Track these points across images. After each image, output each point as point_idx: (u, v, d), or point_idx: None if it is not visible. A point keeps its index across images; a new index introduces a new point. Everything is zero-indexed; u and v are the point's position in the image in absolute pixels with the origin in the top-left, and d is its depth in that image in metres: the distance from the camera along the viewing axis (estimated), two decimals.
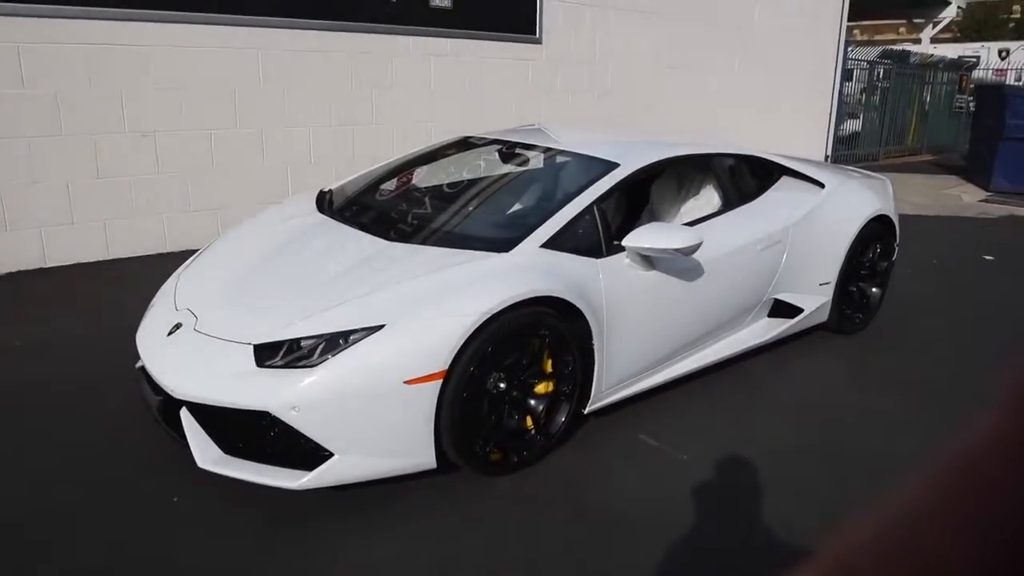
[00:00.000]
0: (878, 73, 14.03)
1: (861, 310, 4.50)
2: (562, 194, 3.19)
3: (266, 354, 2.51)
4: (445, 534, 2.47)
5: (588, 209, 3.04)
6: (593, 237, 3.02)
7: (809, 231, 3.95)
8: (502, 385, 2.71)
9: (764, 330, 3.88)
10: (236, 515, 2.53)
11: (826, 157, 12.00)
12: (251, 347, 2.54)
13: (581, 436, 3.12)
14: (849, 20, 11.90)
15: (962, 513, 0.32)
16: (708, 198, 3.79)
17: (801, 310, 4.00)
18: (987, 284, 5.88)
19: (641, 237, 2.96)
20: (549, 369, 2.85)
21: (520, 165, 3.66)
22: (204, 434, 2.55)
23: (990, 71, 20.59)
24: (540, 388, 2.85)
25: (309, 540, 2.42)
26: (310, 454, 2.45)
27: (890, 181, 4.81)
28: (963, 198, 10.12)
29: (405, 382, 2.43)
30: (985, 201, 9.89)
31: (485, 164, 3.78)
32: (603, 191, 3.12)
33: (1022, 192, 10.12)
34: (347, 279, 2.77)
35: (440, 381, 2.48)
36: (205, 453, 2.52)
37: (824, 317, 4.23)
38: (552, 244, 2.88)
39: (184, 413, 2.58)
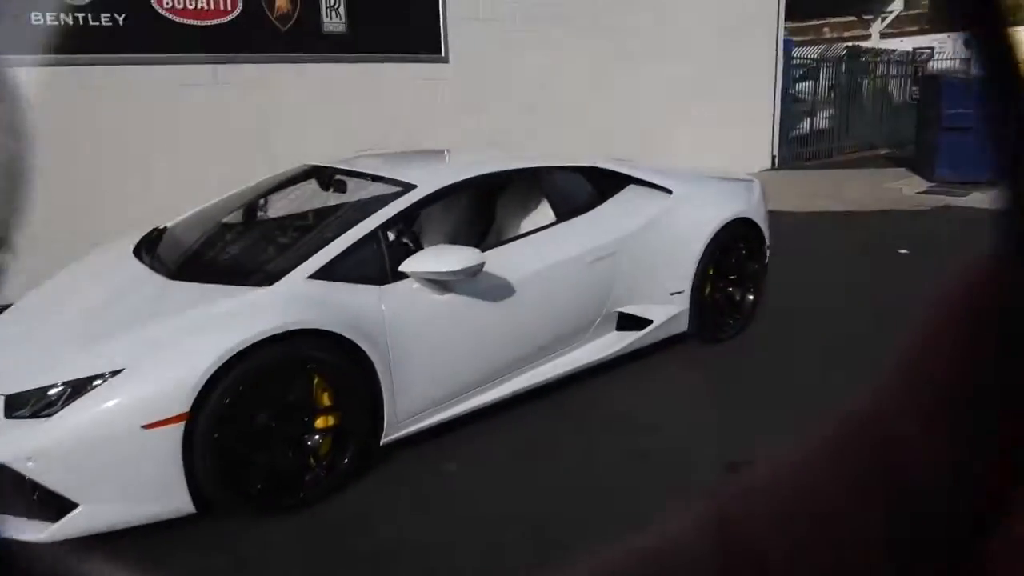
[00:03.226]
0: (830, 71, 14.00)
1: (731, 316, 4.41)
2: (349, 221, 3.13)
3: (16, 405, 2.45)
4: None
5: (372, 235, 2.97)
6: (378, 264, 2.95)
7: (651, 239, 3.86)
8: (272, 424, 2.64)
9: (608, 345, 3.79)
10: None
11: (772, 159, 11.92)
12: (2, 398, 2.48)
13: (383, 468, 3.03)
14: (805, 20, 11.89)
15: (856, 468, 0.34)
16: (543, 213, 3.72)
17: (650, 322, 3.92)
18: (889, 280, 5.76)
19: (417, 261, 2.90)
20: (328, 403, 2.78)
21: (328, 192, 3.61)
22: None
23: (957, 61, 20.43)
24: (320, 423, 2.77)
25: None
26: (57, 505, 2.39)
27: (759, 182, 4.74)
28: (903, 190, 10.01)
29: (143, 426, 2.37)
30: (925, 192, 9.79)
31: (297, 195, 3.73)
32: (391, 215, 3.06)
33: (964, 181, 10.01)
34: (109, 321, 2.72)
35: (183, 424, 2.41)
36: None
37: (684, 326, 4.13)
38: (323, 274, 2.81)
39: None
